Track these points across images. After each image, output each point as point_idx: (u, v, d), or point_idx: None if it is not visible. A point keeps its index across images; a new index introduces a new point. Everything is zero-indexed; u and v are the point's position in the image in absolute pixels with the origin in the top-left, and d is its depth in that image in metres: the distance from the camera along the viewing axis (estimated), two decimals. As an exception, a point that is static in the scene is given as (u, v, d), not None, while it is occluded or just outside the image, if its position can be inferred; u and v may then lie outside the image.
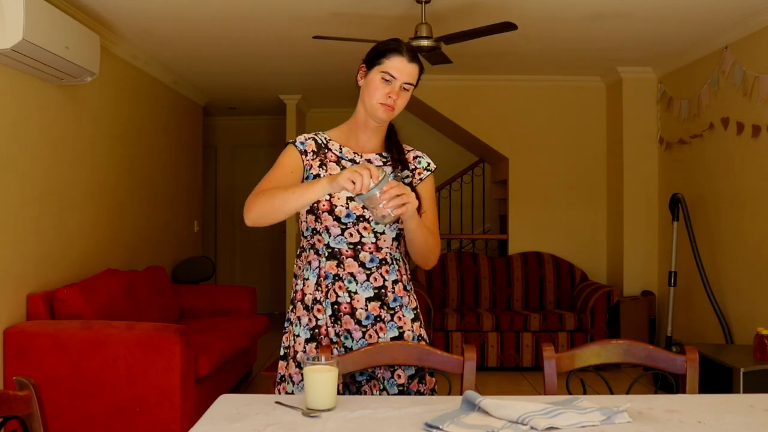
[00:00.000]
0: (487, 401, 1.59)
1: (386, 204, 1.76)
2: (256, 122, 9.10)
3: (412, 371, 2.04)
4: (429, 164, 2.14)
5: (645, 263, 6.27)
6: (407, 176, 2.08)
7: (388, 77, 1.97)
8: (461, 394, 1.75)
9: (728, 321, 4.99)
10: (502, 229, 7.55)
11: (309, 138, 2.08)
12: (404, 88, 2.00)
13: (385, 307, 2.03)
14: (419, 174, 2.11)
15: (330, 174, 2.02)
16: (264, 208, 1.89)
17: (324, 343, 2.02)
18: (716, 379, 3.95)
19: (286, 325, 2.13)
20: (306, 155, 2.05)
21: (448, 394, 2.01)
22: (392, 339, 2.03)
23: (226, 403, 1.72)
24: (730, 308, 4.99)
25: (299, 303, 2.07)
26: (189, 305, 5.61)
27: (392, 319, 2.03)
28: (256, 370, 5.85)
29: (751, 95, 4.68)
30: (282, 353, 2.11)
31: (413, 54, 2.01)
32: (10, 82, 3.77)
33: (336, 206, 1.99)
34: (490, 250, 7.68)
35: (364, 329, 2.01)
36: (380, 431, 1.51)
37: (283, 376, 2.08)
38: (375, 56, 2.01)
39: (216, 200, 9.16)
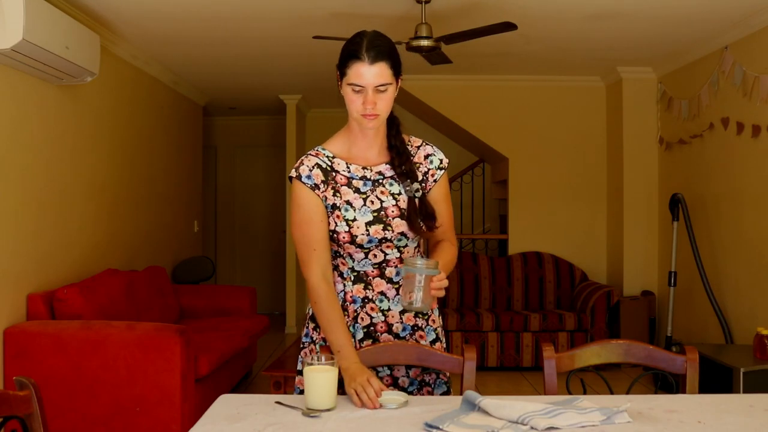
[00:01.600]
0: (487, 401, 1.59)
1: (425, 293, 1.76)
2: (256, 122, 9.09)
3: (442, 389, 2.05)
4: (441, 161, 2.02)
5: (645, 263, 6.27)
6: (417, 189, 1.95)
7: (356, 88, 1.83)
8: (461, 394, 1.75)
9: (728, 321, 4.99)
10: (502, 229, 7.54)
11: (313, 167, 1.94)
12: (379, 90, 1.84)
13: (420, 315, 2.01)
14: (432, 175, 2.00)
15: (345, 216, 1.92)
16: (318, 316, 1.91)
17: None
18: (716, 379, 3.95)
19: (305, 340, 2.05)
20: (318, 189, 1.93)
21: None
22: (431, 342, 2.03)
23: (226, 403, 1.71)
24: (730, 308, 4.99)
25: (309, 330, 2.03)
26: (189, 305, 5.61)
27: (428, 324, 2.02)
28: (256, 370, 5.85)
29: (751, 95, 4.68)
30: (300, 368, 2.02)
31: (375, 53, 1.82)
32: (10, 82, 3.77)
33: (356, 236, 1.91)
34: (490, 250, 7.67)
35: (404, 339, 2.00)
36: (380, 431, 1.51)
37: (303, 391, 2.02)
38: (340, 64, 1.87)
39: (216, 200, 9.16)
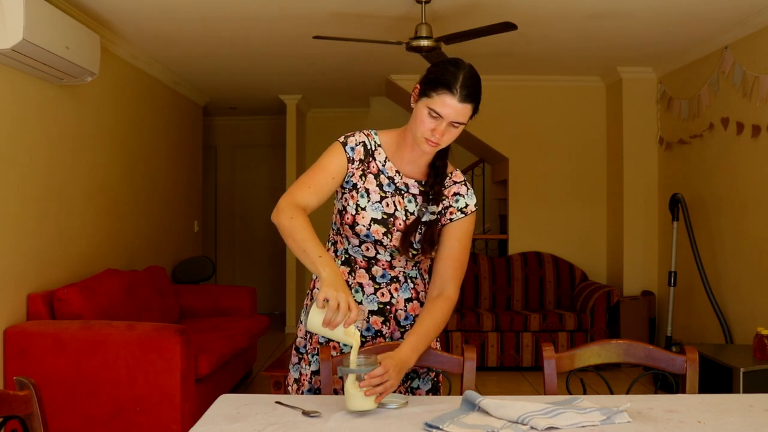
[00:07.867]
0: (487, 401, 1.59)
1: (365, 392, 1.63)
2: (256, 122, 9.09)
3: (427, 386, 2.05)
4: (467, 206, 1.98)
5: (645, 263, 6.27)
6: (433, 212, 1.96)
7: (434, 114, 1.80)
8: (461, 394, 1.75)
9: (728, 321, 4.99)
10: (502, 229, 7.55)
11: (360, 143, 1.96)
12: (453, 125, 1.83)
13: (388, 324, 2.02)
14: (450, 213, 1.97)
15: (358, 201, 1.95)
16: (284, 232, 1.82)
17: None
18: (716, 379, 3.95)
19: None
20: (353, 163, 1.95)
21: (448, 394, 2.01)
22: None
23: (226, 403, 1.72)
24: (730, 308, 4.99)
25: (311, 292, 2.09)
26: (189, 305, 5.61)
27: (402, 338, 2.01)
28: (256, 370, 5.85)
29: (751, 95, 4.68)
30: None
31: (468, 93, 1.80)
32: (10, 82, 3.77)
33: (357, 224, 1.93)
34: (490, 250, 7.67)
35: (363, 339, 2.01)
36: (380, 431, 1.51)
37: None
38: (428, 85, 1.83)
39: (216, 200, 9.16)
